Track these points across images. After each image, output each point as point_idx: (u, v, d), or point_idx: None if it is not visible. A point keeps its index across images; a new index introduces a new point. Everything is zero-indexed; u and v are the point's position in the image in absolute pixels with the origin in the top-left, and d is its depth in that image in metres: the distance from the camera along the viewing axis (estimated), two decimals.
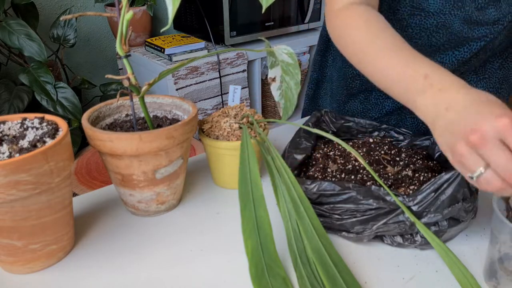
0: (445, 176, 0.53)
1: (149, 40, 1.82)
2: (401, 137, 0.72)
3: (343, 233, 0.57)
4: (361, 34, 0.57)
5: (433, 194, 0.52)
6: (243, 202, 0.52)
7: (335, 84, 0.93)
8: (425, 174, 0.62)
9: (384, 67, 0.53)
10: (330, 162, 0.65)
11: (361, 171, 0.63)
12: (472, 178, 0.42)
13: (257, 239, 0.50)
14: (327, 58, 0.95)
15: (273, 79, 0.59)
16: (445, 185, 0.53)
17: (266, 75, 2.03)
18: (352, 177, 0.62)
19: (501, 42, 0.76)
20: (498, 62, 0.81)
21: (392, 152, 0.68)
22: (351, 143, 0.70)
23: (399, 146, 0.71)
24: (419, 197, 0.52)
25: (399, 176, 0.62)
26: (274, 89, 0.58)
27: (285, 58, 0.58)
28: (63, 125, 0.51)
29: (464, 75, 0.79)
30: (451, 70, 0.62)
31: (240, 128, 0.65)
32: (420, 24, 0.73)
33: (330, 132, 0.74)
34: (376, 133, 0.74)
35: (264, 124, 0.68)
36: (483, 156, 0.40)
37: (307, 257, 0.50)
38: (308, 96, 1.02)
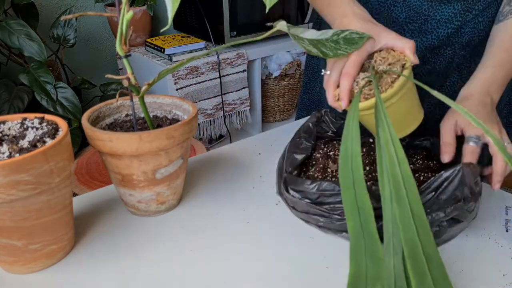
0: (445, 174, 0.53)
1: (149, 40, 1.82)
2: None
3: (343, 233, 0.57)
4: None
5: (433, 193, 0.52)
6: (343, 181, 0.49)
7: None
8: (425, 174, 0.62)
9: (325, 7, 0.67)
10: (330, 162, 0.65)
11: None
12: (322, 73, 0.60)
13: (358, 219, 0.47)
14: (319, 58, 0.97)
15: None
16: (445, 184, 0.53)
17: (266, 75, 2.03)
18: None
19: (481, 38, 0.76)
20: None
21: None
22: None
23: (403, 144, 0.70)
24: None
25: None
26: None
27: None
28: (63, 125, 0.51)
29: (449, 75, 0.80)
30: (419, 56, 0.69)
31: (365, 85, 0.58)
32: None
33: (330, 132, 0.74)
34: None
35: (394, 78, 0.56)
36: (331, 66, 0.58)
37: (401, 247, 0.46)
38: (303, 95, 1.04)
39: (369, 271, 0.45)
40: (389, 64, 0.56)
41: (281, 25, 0.61)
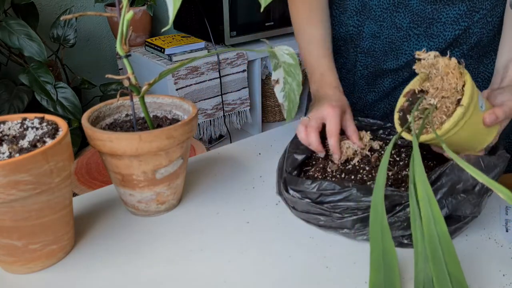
0: (440, 170, 0.53)
1: (149, 40, 1.82)
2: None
3: (345, 230, 0.57)
4: (301, 17, 0.81)
5: (432, 189, 0.52)
6: (372, 229, 0.46)
7: None
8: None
9: (306, 54, 0.80)
10: (330, 162, 0.65)
11: (361, 171, 0.63)
12: (301, 119, 0.67)
13: (382, 272, 0.44)
14: None
15: (277, 81, 0.59)
16: (443, 180, 0.53)
17: (266, 75, 2.03)
18: (352, 177, 0.62)
19: (490, 38, 0.75)
20: (493, 66, 0.80)
21: (392, 152, 0.68)
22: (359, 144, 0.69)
23: (404, 144, 0.70)
24: None
25: (399, 176, 0.62)
26: (278, 91, 0.58)
27: (286, 59, 0.58)
28: (63, 125, 0.51)
29: None
30: None
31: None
32: (380, 4, 0.76)
33: None
34: (380, 132, 0.73)
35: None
36: (312, 116, 0.66)
37: None
38: (308, 95, 1.04)
39: None
40: (443, 97, 0.55)
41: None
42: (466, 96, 0.52)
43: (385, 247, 0.45)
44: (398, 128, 0.59)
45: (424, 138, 0.55)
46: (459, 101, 0.53)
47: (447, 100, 0.54)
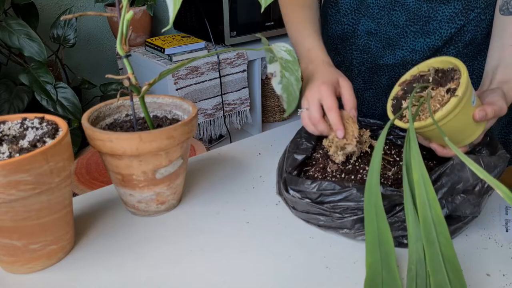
0: (440, 170, 0.53)
1: (149, 40, 1.82)
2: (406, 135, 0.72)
3: (345, 230, 0.57)
4: (289, 2, 0.81)
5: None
6: (367, 212, 0.48)
7: None
8: None
9: (294, 35, 0.79)
10: (330, 162, 0.65)
11: (361, 171, 0.63)
12: (299, 111, 0.67)
13: (379, 255, 0.45)
14: None
15: (273, 74, 0.59)
16: (443, 180, 0.53)
17: (266, 75, 2.03)
18: (352, 177, 0.62)
19: (484, 36, 0.76)
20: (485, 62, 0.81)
21: (392, 152, 0.68)
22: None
23: (404, 144, 0.70)
24: None
25: (399, 176, 0.62)
26: (275, 83, 0.58)
27: (284, 55, 0.58)
28: (63, 125, 0.51)
29: None
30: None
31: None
32: (377, 2, 0.77)
33: None
34: (381, 131, 0.73)
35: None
36: (308, 102, 0.65)
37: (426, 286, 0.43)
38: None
39: None
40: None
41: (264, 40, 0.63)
42: (461, 87, 0.53)
43: (380, 226, 0.46)
44: (391, 115, 0.61)
45: (416, 125, 0.56)
46: (454, 91, 0.55)
47: (442, 90, 0.56)
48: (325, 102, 0.64)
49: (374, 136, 0.72)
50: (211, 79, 1.76)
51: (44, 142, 0.48)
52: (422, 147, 0.69)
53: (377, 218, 0.47)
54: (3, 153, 0.46)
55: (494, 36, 0.71)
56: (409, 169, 0.49)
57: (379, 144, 0.51)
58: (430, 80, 0.59)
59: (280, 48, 0.59)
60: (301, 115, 0.67)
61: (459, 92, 0.53)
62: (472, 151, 0.63)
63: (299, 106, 0.63)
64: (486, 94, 0.61)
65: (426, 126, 0.55)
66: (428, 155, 0.68)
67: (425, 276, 0.43)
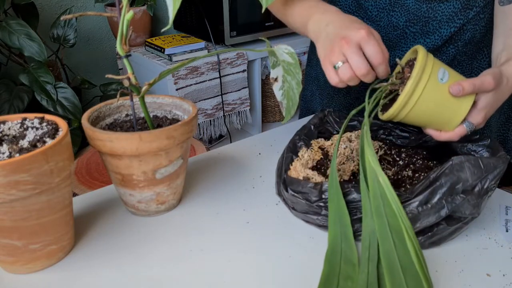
0: (439, 170, 0.53)
1: (149, 40, 1.82)
2: (406, 135, 0.71)
3: None
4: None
5: (430, 189, 0.52)
6: (330, 194, 0.54)
7: (321, 80, 0.95)
8: (425, 174, 0.62)
9: (294, 15, 0.73)
10: (329, 162, 0.65)
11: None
12: (335, 67, 0.59)
13: (339, 228, 0.52)
14: (314, 55, 0.97)
15: (275, 79, 0.59)
16: (442, 180, 0.53)
17: (266, 75, 2.03)
18: (352, 177, 0.62)
19: (483, 34, 0.76)
20: (486, 61, 0.81)
21: (392, 152, 0.68)
22: (355, 143, 0.70)
23: (404, 144, 0.70)
24: (418, 193, 0.52)
25: (399, 176, 0.62)
26: (276, 89, 0.58)
27: (286, 58, 0.58)
28: (63, 125, 0.51)
29: None
30: None
31: None
32: (376, 5, 0.77)
33: (335, 132, 0.74)
34: (381, 132, 0.74)
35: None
36: (345, 55, 0.57)
37: (378, 256, 0.49)
38: (302, 96, 1.05)
39: (342, 271, 0.48)
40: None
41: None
42: (415, 68, 0.55)
43: (339, 205, 0.53)
44: (380, 114, 0.64)
45: (386, 115, 0.60)
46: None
47: (395, 78, 0.60)
48: (373, 55, 0.57)
49: (375, 137, 0.72)
50: (211, 79, 1.76)
51: (44, 142, 0.48)
52: (422, 148, 0.69)
53: (337, 198, 0.53)
54: (3, 153, 0.46)
55: (497, 25, 0.71)
56: (363, 154, 0.55)
57: (341, 133, 0.60)
58: (401, 71, 0.61)
59: (283, 50, 0.59)
60: (337, 72, 0.59)
61: (414, 73, 0.55)
62: (472, 151, 0.63)
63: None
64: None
65: (392, 114, 0.58)
66: (428, 155, 0.68)
67: (376, 245, 0.49)
